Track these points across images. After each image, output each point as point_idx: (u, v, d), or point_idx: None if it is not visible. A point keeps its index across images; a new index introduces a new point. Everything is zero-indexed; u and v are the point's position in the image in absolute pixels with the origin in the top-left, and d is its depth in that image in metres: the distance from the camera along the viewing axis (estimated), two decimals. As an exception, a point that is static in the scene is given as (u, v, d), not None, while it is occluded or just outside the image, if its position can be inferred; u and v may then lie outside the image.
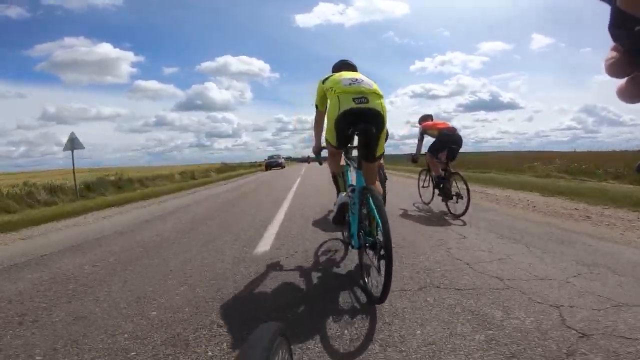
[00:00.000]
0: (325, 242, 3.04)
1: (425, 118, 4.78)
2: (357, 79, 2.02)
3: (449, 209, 4.17)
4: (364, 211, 1.90)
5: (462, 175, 4.05)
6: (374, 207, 1.71)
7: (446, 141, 4.24)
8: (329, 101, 2.08)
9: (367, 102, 1.91)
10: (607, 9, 0.68)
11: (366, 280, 1.89)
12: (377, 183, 2.26)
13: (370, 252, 1.75)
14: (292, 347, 0.66)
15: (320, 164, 2.90)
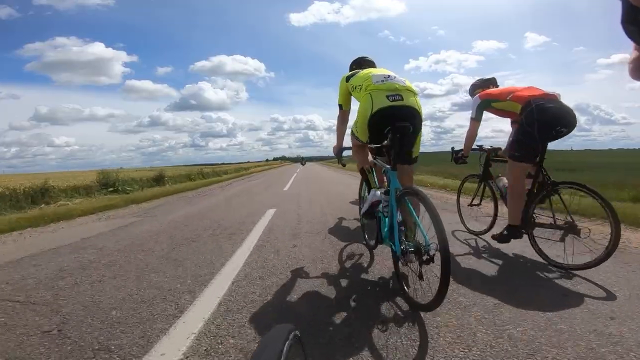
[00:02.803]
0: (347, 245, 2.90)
1: (485, 83, 2.80)
2: (389, 76, 1.95)
3: (544, 256, 2.22)
4: (400, 215, 1.79)
5: (592, 189, 1.99)
6: (412, 210, 1.64)
7: (550, 123, 2.12)
8: (360, 100, 1.98)
9: (402, 99, 1.84)
10: (607, 6, 0.67)
11: (406, 287, 1.79)
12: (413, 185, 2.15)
13: (412, 257, 1.63)
14: (305, 350, 0.65)
15: (344, 165, 2.75)
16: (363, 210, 2.19)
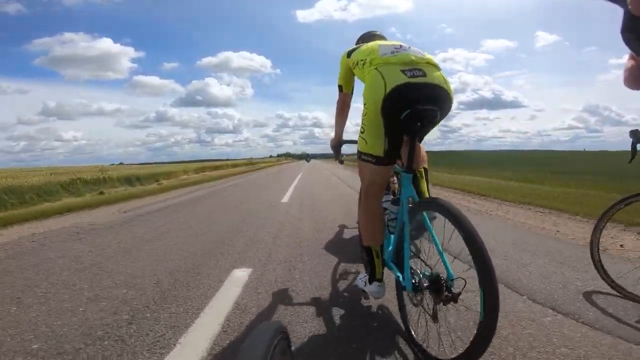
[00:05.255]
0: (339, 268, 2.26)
1: None
2: (400, 46, 1.40)
3: None
4: (415, 233, 1.37)
5: None
6: (431, 228, 1.22)
7: None
8: (365, 80, 1.43)
9: (424, 75, 1.28)
10: (614, 8, 0.68)
11: (413, 331, 1.35)
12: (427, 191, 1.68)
13: (426, 294, 1.20)
14: (292, 346, 0.72)
15: (341, 162, 2.19)
16: (359, 285, 1.66)
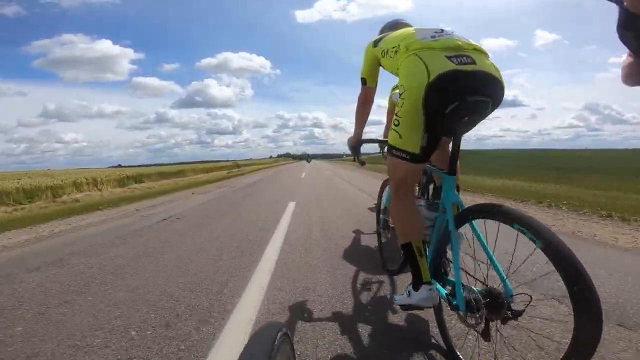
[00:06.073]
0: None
1: None
2: (442, 30, 1.24)
3: None
4: (461, 246, 1.19)
5: None
6: (482, 238, 1.08)
7: None
8: (401, 67, 1.24)
9: (473, 62, 1.12)
10: (613, 7, 0.68)
11: (455, 349, 1.25)
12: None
13: (482, 311, 1.04)
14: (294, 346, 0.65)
15: (363, 163, 1.94)
16: (398, 302, 1.31)
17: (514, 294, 0.98)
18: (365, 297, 1.84)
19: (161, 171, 21.40)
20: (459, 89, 1.10)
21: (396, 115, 1.22)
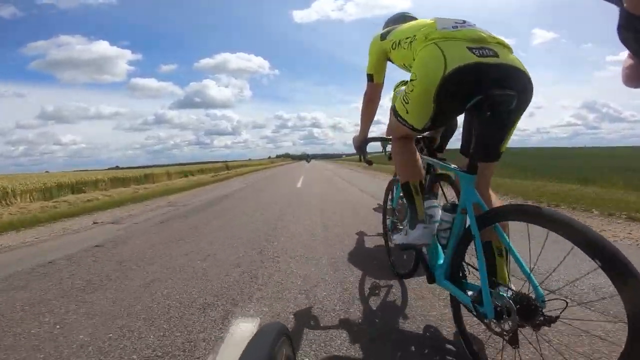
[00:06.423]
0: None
1: None
2: (464, 21, 1.17)
3: None
4: (463, 246, 1.17)
5: None
6: (507, 240, 1.02)
7: None
8: (416, 56, 1.17)
9: (497, 55, 1.05)
10: (611, 7, 0.67)
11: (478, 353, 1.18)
12: (492, 194, 1.29)
13: (512, 317, 0.95)
14: (294, 347, 0.67)
15: (370, 163, 1.82)
16: (396, 241, 1.41)
17: (545, 298, 0.92)
18: (374, 302, 1.72)
19: (117, 176, 16.74)
20: (482, 83, 1.03)
21: (406, 94, 1.18)
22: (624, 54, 0.79)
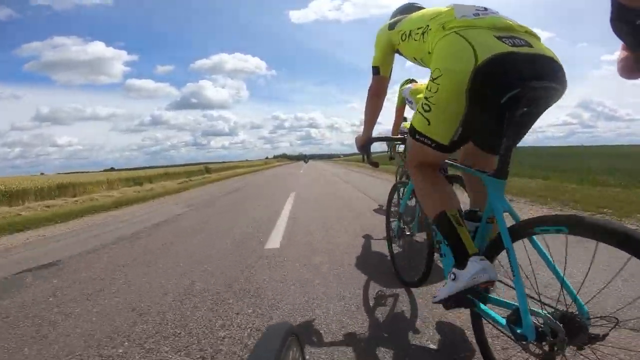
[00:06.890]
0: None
1: None
2: (485, 8, 1.06)
3: None
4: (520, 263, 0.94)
5: None
6: (546, 253, 0.88)
7: None
8: (434, 49, 1.05)
9: (530, 45, 0.94)
10: (606, 3, 0.69)
11: None
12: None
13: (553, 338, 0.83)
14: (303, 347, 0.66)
15: (376, 165, 1.68)
16: (440, 297, 1.05)
17: (589, 316, 0.82)
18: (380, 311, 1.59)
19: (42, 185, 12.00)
20: (520, 74, 0.91)
21: (427, 100, 1.03)
22: (619, 53, 0.80)
